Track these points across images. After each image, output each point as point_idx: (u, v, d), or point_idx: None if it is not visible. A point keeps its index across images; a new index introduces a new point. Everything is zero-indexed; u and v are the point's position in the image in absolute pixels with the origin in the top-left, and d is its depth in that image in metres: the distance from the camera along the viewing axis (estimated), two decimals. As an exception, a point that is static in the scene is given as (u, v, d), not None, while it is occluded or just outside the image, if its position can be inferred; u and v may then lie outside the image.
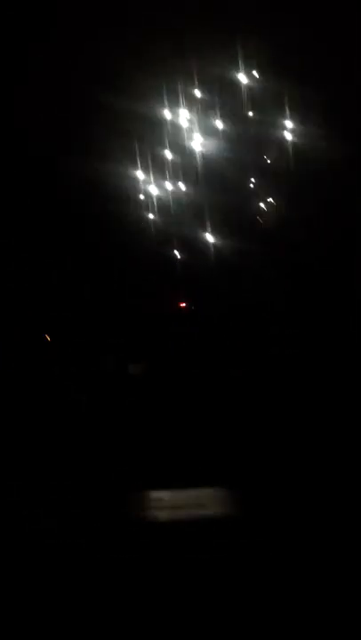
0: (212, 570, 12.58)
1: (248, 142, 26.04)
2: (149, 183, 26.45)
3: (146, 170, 26.25)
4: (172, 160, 26.49)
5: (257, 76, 25.65)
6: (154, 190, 26.51)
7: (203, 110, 26.38)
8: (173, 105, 26.11)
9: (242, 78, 25.63)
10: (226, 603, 11.67)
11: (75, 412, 21.85)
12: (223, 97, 26.12)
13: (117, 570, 12.75)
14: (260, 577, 12.36)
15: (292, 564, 12.70)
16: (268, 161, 26.10)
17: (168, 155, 26.47)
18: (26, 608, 11.68)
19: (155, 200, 26.48)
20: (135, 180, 26.35)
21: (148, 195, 26.54)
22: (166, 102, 25.97)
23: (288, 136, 25.47)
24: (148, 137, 26.25)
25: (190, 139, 26.43)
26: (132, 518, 15.63)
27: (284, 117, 25.36)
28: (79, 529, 14.72)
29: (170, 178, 26.49)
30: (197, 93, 26.21)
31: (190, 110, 26.25)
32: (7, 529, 14.55)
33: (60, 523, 14.95)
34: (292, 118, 25.33)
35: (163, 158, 26.52)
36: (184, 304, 25.78)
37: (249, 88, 25.81)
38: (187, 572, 12.57)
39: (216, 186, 26.15)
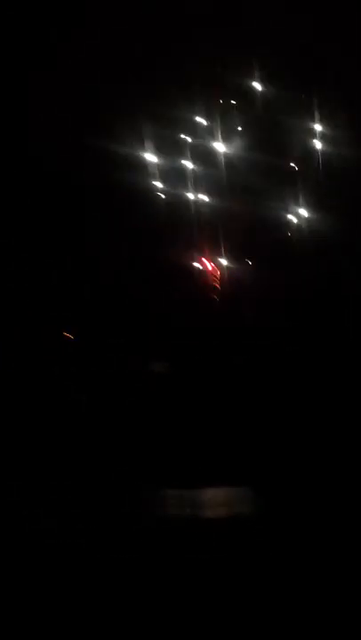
0: (225, 570, 12.54)
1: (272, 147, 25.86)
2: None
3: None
4: (193, 169, 26.35)
5: (278, 81, 25.55)
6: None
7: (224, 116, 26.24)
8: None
9: (265, 83, 25.57)
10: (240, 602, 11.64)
11: (77, 409, 21.87)
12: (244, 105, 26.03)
13: (118, 570, 12.74)
14: (279, 576, 12.31)
15: (306, 564, 12.66)
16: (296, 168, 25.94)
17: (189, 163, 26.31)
18: (26, 608, 11.66)
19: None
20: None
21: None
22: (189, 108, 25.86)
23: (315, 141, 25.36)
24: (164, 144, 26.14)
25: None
26: (149, 516, 15.57)
27: (309, 122, 25.28)
28: (84, 528, 14.72)
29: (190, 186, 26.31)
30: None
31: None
32: (7, 529, 14.54)
33: (59, 523, 14.95)
34: (318, 122, 25.25)
35: (184, 165, 26.39)
36: (206, 262, 25.19)
37: (272, 93, 25.74)
38: (194, 573, 12.54)
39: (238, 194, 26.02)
